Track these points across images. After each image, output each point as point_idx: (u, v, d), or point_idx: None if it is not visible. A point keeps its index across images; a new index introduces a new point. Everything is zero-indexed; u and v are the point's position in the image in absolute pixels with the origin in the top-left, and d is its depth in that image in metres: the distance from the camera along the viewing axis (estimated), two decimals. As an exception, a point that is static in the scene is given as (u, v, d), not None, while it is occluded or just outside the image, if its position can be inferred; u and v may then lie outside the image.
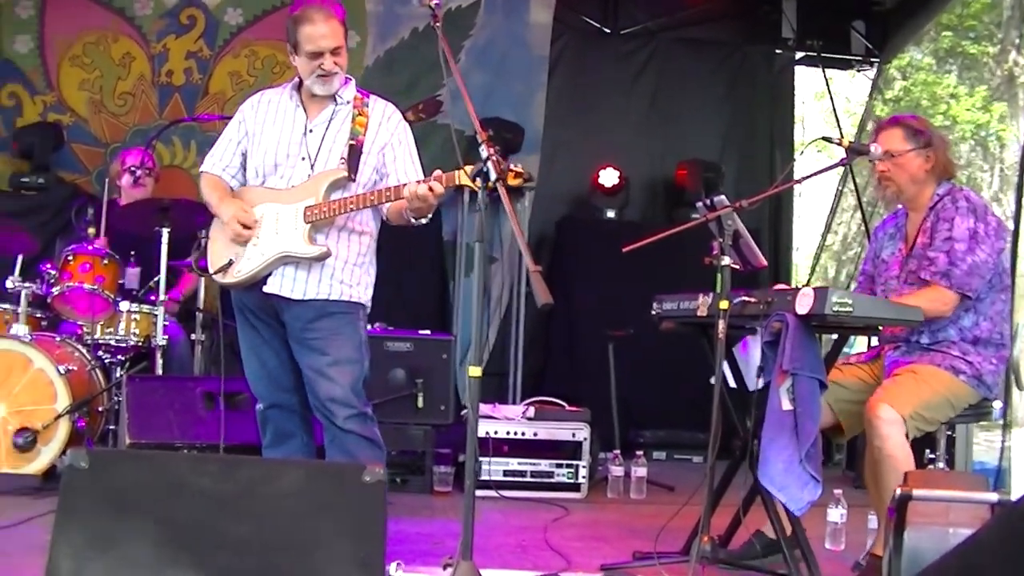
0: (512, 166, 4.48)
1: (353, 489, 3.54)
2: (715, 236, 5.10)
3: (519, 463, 7.54)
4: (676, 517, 5.35)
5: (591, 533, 6.39)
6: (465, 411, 7.59)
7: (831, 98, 11.54)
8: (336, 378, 5.07)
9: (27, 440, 6.78)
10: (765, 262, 5.39)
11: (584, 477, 7.58)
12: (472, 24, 10.44)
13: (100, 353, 7.57)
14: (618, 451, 8.03)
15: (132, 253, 7.79)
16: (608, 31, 11.20)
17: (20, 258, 7.52)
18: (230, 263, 5.17)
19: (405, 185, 4.89)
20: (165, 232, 7.26)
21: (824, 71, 11.34)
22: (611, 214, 10.54)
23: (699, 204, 5.30)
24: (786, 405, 4.81)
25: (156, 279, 7.38)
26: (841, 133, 9.58)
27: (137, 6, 10.21)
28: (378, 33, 10.41)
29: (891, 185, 5.52)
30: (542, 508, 7.10)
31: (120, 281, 7.53)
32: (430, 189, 4.76)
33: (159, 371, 7.40)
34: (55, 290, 7.31)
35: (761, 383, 5.09)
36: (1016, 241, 6.95)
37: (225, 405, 6.67)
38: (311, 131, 5.21)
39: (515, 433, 7.56)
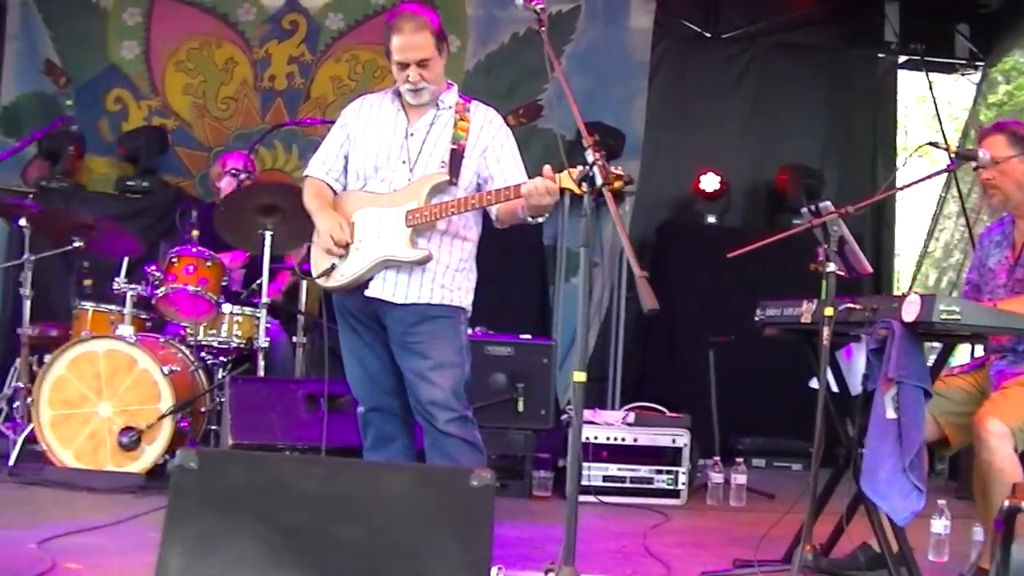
0: (613, 168, 4.46)
1: (461, 493, 3.54)
2: (819, 242, 5.06)
3: (619, 469, 7.52)
4: (776, 525, 5.32)
5: (691, 540, 6.36)
6: (565, 416, 7.61)
7: (934, 103, 11.38)
8: (437, 381, 5.07)
9: (131, 439, 6.88)
10: (871, 268, 5.33)
11: (684, 483, 7.54)
12: (572, 29, 10.44)
13: (203, 354, 7.66)
14: (718, 458, 7.96)
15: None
16: (708, 35, 11.13)
17: (126, 260, 7.62)
18: (332, 267, 5.19)
19: (520, 185, 4.87)
20: (268, 235, 7.32)
21: (927, 75, 11.20)
22: (712, 219, 10.47)
23: (804, 210, 5.24)
24: (891, 414, 4.75)
25: (259, 281, 7.45)
26: (944, 138, 9.48)
27: (240, 12, 10.33)
28: (478, 38, 10.44)
29: (997, 193, 5.44)
30: (642, 514, 7.06)
31: (223, 283, 7.60)
32: (546, 186, 4.71)
33: (261, 373, 7.47)
34: (159, 292, 7.40)
35: (865, 391, 5.03)
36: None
37: (327, 407, 6.71)
38: (412, 135, 5.21)
39: (615, 439, 7.53)
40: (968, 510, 5.76)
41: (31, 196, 9.06)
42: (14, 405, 7.54)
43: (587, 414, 7.63)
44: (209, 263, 7.48)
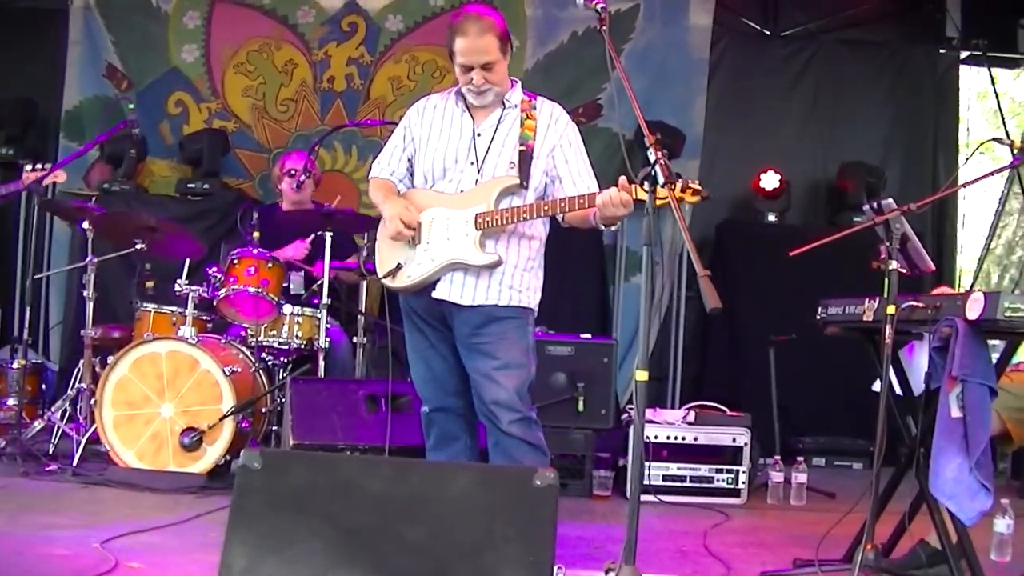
0: (691, 183, 4.45)
1: (524, 493, 3.54)
2: (881, 240, 5.02)
3: (679, 468, 7.49)
4: (837, 525, 5.29)
5: (751, 539, 6.33)
6: (625, 415, 7.59)
7: (996, 98, 11.27)
8: (502, 382, 5.04)
9: (193, 440, 6.92)
10: (933, 266, 5.29)
11: (744, 483, 7.50)
12: (631, 28, 10.41)
13: (264, 355, 7.71)
14: (778, 456, 7.92)
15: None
16: (768, 33, 11.07)
17: (187, 262, 7.69)
18: (399, 267, 5.17)
19: (595, 194, 4.81)
20: (328, 236, 7.35)
21: (989, 70, 11.08)
22: (772, 218, 10.42)
23: (866, 208, 5.21)
24: (956, 412, 4.71)
25: (319, 282, 7.49)
26: (1007, 134, 9.36)
27: (299, 14, 10.39)
28: (537, 37, 10.44)
29: (1060, 188, 5.39)
30: (702, 513, 7.03)
31: (284, 284, 7.64)
32: (620, 198, 4.68)
33: (321, 373, 7.50)
34: (221, 293, 7.46)
35: (928, 389, 5.00)
36: None
37: (388, 408, 6.73)
38: (479, 135, 5.17)
39: (675, 438, 7.51)
40: (1031, 509, 5.71)
41: (94, 199, 9.15)
42: (77, 406, 7.61)
43: (648, 413, 7.61)
44: (270, 264, 7.53)
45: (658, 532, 6.35)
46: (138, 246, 7.55)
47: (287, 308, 7.63)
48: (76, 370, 7.78)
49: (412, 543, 3.48)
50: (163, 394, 7.03)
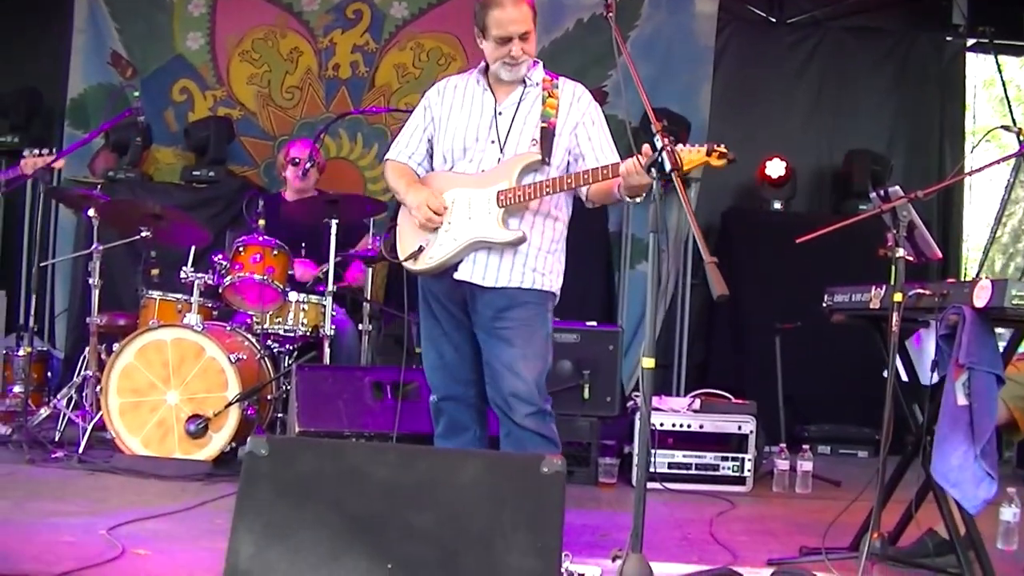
0: (716, 146, 4.44)
1: (532, 480, 3.54)
2: (888, 227, 5.01)
3: (684, 455, 7.49)
4: (843, 513, 5.28)
5: (757, 527, 6.34)
6: (630, 403, 7.59)
7: (1003, 85, 11.24)
8: (522, 373, 5.01)
9: (199, 427, 6.93)
10: (940, 254, 5.28)
11: (749, 470, 7.49)
12: (637, 15, 10.38)
13: (269, 342, 7.72)
14: (784, 444, 7.92)
15: (303, 246, 7.93)
16: (774, 20, 11.05)
17: (192, 250, 7.69)
18: (420, 249, 5.10)
19: (617, 164, 4.79)
20: (334, 223, 7.36)
21: (996, 58, 11.05)
22: (778, 205, 10.40)
23: (873, 195, 5.20)
24: (962, 400, 4.70)
25: (325, 269, 7.49)
26: (1014, 121, 9.34)
27: (304, 2, 10.42)
28: (543, 24, 10.31)
29: (1067, 177, 5.38)
30: (707, 501, 7.04)
31: (290, 272, 7.64)
32: (636, 163, 4.60)
33: (327, 360, 7.50)
34: (226, 280, 7.46)
35: (935, 377, 4.99)
36: None
37: (395, 395, 6.73)
38: (500, 114, 5.12)
39: (680, 425, 7.51)
40: (1038, 497, 5.70)
41: (99, 187, 9.12)
42: (83, 393, 7.63)
43: (653, 401, 7.61)
44: (275, 252, 7.52)
45: (664, 520, 6.35)
46: (143, 234, 7.55)
47: (292, 295, 7.61)
48: (82, 357, 7.77)
49: (419, 530, 3.48)
50: (169, 381, 7.03)
